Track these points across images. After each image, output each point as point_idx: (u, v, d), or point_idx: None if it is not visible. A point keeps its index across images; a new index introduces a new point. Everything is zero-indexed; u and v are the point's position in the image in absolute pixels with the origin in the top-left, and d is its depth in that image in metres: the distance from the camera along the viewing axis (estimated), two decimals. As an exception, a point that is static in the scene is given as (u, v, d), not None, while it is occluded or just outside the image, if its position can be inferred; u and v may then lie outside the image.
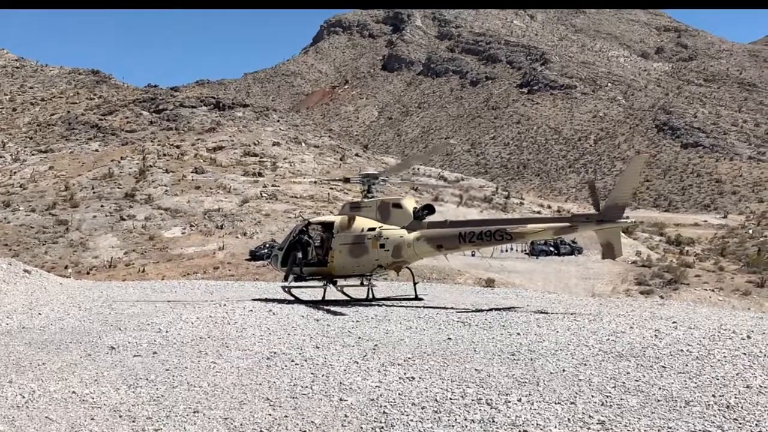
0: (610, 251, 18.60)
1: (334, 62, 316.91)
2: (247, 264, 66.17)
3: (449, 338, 13.97)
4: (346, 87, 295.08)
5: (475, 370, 11.12)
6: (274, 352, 12.86)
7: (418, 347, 13.09)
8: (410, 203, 20.84)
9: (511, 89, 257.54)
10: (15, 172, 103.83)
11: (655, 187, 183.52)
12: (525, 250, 78.58)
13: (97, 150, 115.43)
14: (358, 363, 11.84)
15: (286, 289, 21.30)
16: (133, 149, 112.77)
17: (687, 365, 11.16)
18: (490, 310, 18.23)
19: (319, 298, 21.55)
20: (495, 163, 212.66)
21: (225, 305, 19.06)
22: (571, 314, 17.10)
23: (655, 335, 13.88)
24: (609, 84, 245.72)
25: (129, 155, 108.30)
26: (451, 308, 18.59)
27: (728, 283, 64.07)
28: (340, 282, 21.52)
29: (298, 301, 21.13)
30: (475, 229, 19.54)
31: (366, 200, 21.21)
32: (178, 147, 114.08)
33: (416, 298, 21.70)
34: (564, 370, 10.95)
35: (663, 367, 11.07)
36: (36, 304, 20.34)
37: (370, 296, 21.41)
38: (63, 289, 25.32)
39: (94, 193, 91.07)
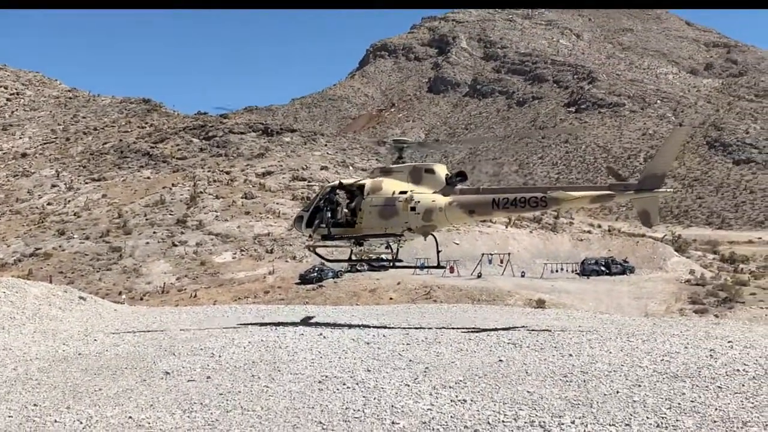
0: (647, 220, 18.69)
1: (380, 86, 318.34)
2: (297, 288, 66.58)
3: (500, 360, 13.88)
4: (392, 110, 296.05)
5: (528, 392, 11.05)
6: (326, 376, 12.92)
7: (469, 369, 13.04)
8: (442, 169, 20.67)
9: (558, 108, 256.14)
10: (69, 201, 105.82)
11: (708, 205, 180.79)
12: (575, 270, 77.88)
13: (148, 177, 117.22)
14: (409, 386, 11.84)
15: (312, 249, 21.96)
16: (183, 176, 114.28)
17: (743, 385, 10.98)
18: (542, 331, 18.08)
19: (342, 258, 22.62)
20: (543, 182, 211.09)
21: (276, 329, 19.19)
22: (624, 335, 16.88)
23: (711, 355, 13.68)
24: (658, 101, 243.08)
25: (180, 182, 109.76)
26: (502, 330, 18.49)
27: (785, 301, 62.71)
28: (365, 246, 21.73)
29: (323, 260, 21.71)
30: (510, 195, 19.33)
31: (397, 165, 21.21)
32: (227, 173, 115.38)
33: (438, 267, 21.98)
34: (618, 392, 10.84)
35: (719, 387, 10.91)
36: (91, 330, 20.66)
37: (395, 257, 21.65)
38: (117, 315, 25.69)
39: (146, 220, 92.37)
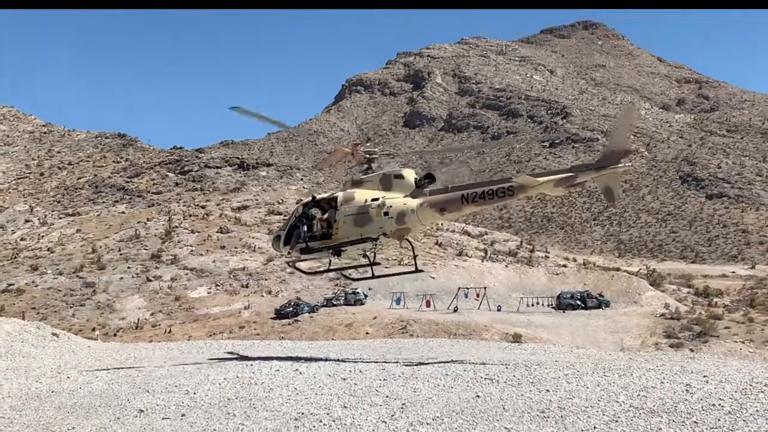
0: (610, 196, 19.53)
1: (356, 120, 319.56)
2: (272, 323, 66.28)
3: (478, 396, 13.81)
4: (368, 144, 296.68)
5: (505, 428, 11.01)
6: (302, 413, 12.80)
7: (446, 405, 12.98)
8: (411, 173, 21.21)
9: (532, 143, 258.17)
10: (43, 236, 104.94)
11: (681, 239, 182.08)
12: (551, 304, 78.08)
13: (123, 212, 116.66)
14: (386, 422, 11.76)
15: (291, 264, 22.92)
16: (159, 210, 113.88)
17: (719, 420, 11.01)
18: (518, 366, 18.05)
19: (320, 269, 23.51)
20: (518, 216, 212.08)
21: (251, 365, 19.04)
22: (601, 369, 16.89)
23: (687, 390, 13.71)
24: (631, 136, 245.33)
25: (155, 216, 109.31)
26: (479, 365, 18.44)
27: (758, 334, 63.25)
28: (344, 258, 22.01)
29: (304, 273, 22.86)
30: (477, 189, 19.83)
31: (367, 175, 21.62)
32: (203, 207, 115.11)
33: (416, 270, 22.36)
34: (595, 428, 10.82)
35: (695, 422, 10.93)
36: (65, 367, 20.39)
37: (373, 262, 21.80)
38: (91, 352, 25.39)
39: (120, 254, 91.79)
